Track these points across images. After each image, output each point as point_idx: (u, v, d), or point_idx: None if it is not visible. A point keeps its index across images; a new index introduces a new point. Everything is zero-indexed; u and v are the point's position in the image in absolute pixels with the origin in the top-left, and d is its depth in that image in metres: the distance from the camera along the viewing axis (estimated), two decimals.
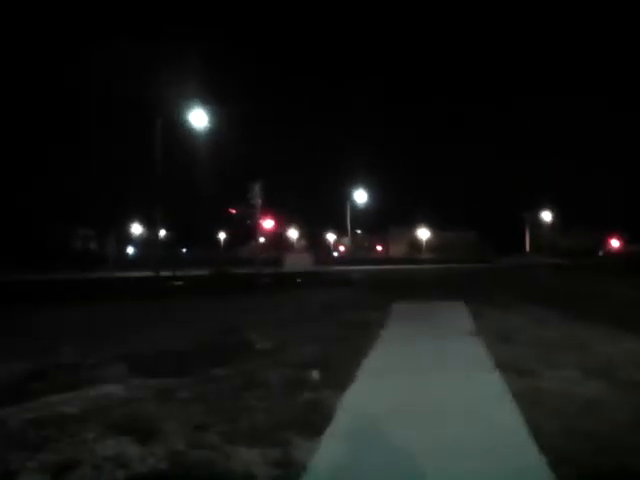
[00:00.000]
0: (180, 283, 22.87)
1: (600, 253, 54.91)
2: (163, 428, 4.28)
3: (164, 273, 26.18)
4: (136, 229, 70.40)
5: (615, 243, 57.93)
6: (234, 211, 51.41)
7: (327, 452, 3.82)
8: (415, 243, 69.24)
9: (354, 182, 56.41)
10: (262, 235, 51.75)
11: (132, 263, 51.47)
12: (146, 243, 65.35)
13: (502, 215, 60.66)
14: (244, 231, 54.03)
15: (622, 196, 53.57)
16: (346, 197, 56.29)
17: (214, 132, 32.60)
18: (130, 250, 69.01)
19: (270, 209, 45.99)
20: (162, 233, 70.56)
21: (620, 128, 60.49)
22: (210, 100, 33.14)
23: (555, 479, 3.31)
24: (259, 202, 42.05)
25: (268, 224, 45.62)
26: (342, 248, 61.52)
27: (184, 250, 65.15)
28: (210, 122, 31.86)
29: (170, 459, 3.72)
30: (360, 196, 57.04)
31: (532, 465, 3.56)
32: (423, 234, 69.31)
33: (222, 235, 66.01)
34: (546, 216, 61.08)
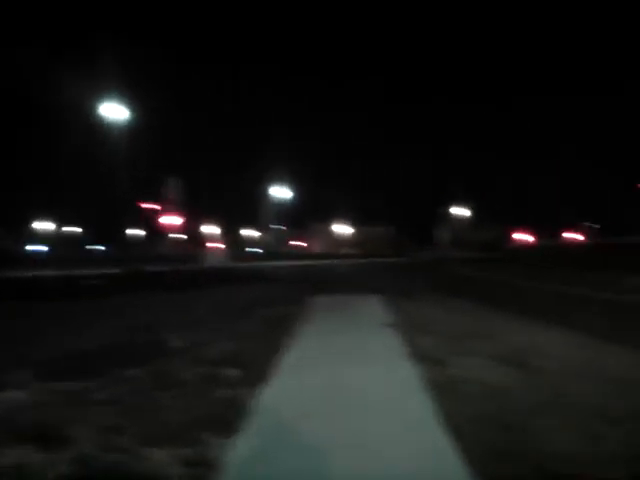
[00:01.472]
0: (94, 282, 21.80)
1: (505, 247, 57.94)
2: (72, 433, 4.09)
3: (77, 272, 24.90)
4: (49, 226, 66.86)
5: (523, 237, 61.28)
6: (150, 207, 49.95)
7: (242, 450, 3.79)
8: (335, 238, 70.05)
9: (274, 178, 56.27)
10: (179, 231, 50.64)
11: (45, 262, 48.74)
12: (61, 241, 62.27)
13: (420, 210, 62.62)
14: (161, 227, 52.60)
15: (533, 193, 56.76)
16: (264, 193, 56.06)
17: (130, 127, 31.50)
18: (44, 249, 65.35)
19: (187, 205, 45.08)
20: (77, 230, 67.52)
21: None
22: (125, 94, 31.98)
23: (464, 460, 3.44)
24: (175, 198, 41.12)
25: (184, 219, 44.70)
26: (262, 244, 61.18)
27: (101, 247, 62.50)
28: (126, 117, 30.77)
29: (78, 464, 3.56)
30: (281, 192, 57.02)
31: (443, 449, 3.70)
32: (343, 229, 70.27)
33: (138, 232, 63.80)
34: (461, 211, 63.68)
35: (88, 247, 60.26)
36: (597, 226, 61.16)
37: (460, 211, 63.79)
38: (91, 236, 63.03)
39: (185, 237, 55.13)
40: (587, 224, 61.61)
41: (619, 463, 3.37)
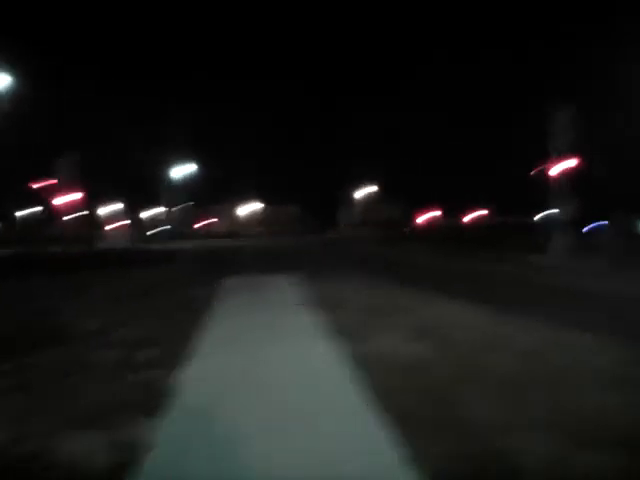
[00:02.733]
0: None
1: (406, 228, 60.15)
2: None
3: None
4: None
5: (428, 216, 63.75)
6: (40, 185, 46.76)
7: (162, 434, 3.71)
8: (243, 217, 69.38)
9: (180, 155, 54.48)
10: (73, 211, 47.85)
11: None
12: None
13: (325, 190, 63.47)
14: (52, 207, 49.45)
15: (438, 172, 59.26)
16: (168, 172, 54.16)
17: (18, 97, 29.06)
18: None
19: (82, 183, 42.64)
20: None
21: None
22: (13, 60, 29.43)
23: (388, 431, 3.58)
24: (69, 176, 38.78)
25: (81, 198, 42.32)
26: (167, 223, 59.28)
27: None
28: (12, 85, 28.38)
29: None
30: (186, 168, 55.27)
31: (369, 421, 3.82)
32: (249, 208, 69.70)
33: (30, 211, 59.58)
34: (365, 191, 65.06)
35: None
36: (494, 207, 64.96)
37: (365, 191, 65.18)
38: None
39: (82, 217, 52.29)
40: (487, 205, 65.16)
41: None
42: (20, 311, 9.12)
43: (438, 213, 63.56)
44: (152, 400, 4.32)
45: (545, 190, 25.91)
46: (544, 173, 25.98)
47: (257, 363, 5.48)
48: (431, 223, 61.65)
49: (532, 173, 26.34)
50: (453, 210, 60.98)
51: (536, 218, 50.93)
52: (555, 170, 25.08)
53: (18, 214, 56.53)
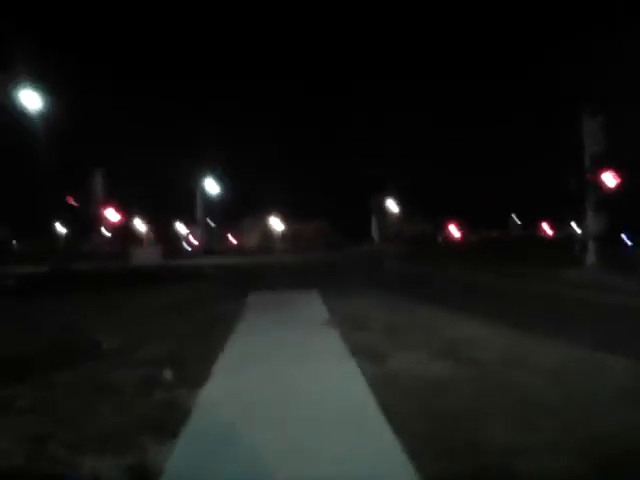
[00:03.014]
0: (12, 282, 20.65)
1: (440, 240, 59.75)
2: None
3: None
4: None
5: (454, 230, 63.29)
6: (74, 201, 47.82)
7: (182, 454, 3.69)
8: (268, 234, 69.73)
9: (206, 173, 55.18)
10: (106, 227, 48.76)
11: None
12: None
13: (350, 205, 63.36)
14: (86, 223, 50.50)
15: (463, 187, 58.73)
16: (197, 188, 54.89)
17: (52, 116, 29.89)
18: None
19: (114, 199, 43.46)
20: None
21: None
22: (47, 82, 30.32)
23: (406, 453, 3.49)
24: (101, 192, 39.57)
25: (112, 215, 43.07)
26: (194, 241, 59.93)
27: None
28: (46, 105, 29.21)
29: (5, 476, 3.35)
30: (212, 187, 56.00)
31: (385, 443, 3.74)
32: (276, 225, 70.05)
33: (61, 228, 60.95)
34: (391, 205, 64.83)
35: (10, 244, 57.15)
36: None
37: (392, 206, 64.97)
38: (12, 232, 59.76)
39: (113, 234, 53.21)
40: (514, 219, 64.62)
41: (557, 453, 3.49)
42: (50, 328, 9.22)
43: (468, 226, 63.08)
44: (172, 420, 4.27)
45: (579, 201, 25.22)
46: (582, 183, 25.18)
47: (278, 383, 5.42)
48: (463, 236, 61.12)
49: (572, 184, 25.31)
50: (484, 223, 60.49)
51: (572, 230, 50.17)
52: (598, 180, 24.17)
53: (54, 230, 57.85)
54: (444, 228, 63.18)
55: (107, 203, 42.11)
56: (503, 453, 3.50)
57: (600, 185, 24.12)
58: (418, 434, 3.85)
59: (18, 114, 29.45)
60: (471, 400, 4.60)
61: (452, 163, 63.51)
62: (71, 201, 47.23)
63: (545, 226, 62.62)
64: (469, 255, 33.37)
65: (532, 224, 63.15)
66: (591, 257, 22.75)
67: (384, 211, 64.57)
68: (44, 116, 29.57)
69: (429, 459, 3.42)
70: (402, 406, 4.48)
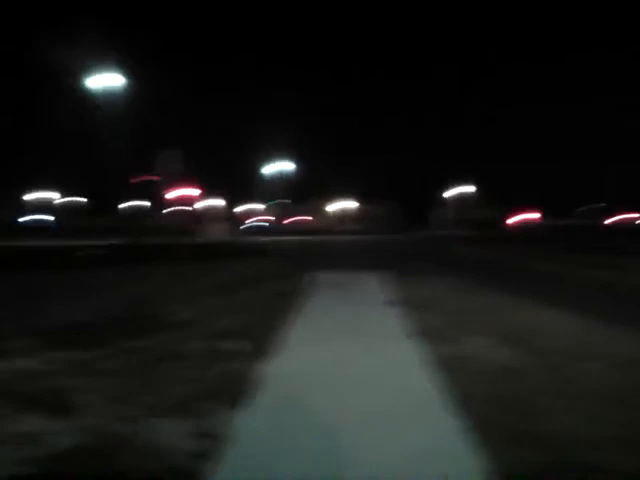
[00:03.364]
0: (95, 252, 21.80)
1: (503, 226, 58.09)
2: (80, 402, 4.13)
3: (78, 242, 24.96)
4: (44, 196, 66.63)
5: (521, 216, 61.26)
6: (151, 179, 49.66)
7: (248, 422, 3.80)
8: (338, 214, 69.90)
9: (278, 151, 55.85)
10: (178, 203, 50.43)
11: (47, 232, 48.64)
12: (61, 211, 62.12)
13: (422, 189, 62.39)
14: (160, 199, 52.42)
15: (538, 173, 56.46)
16: (269, 166, 55.71)
17: (131, 96, 31.14)
18: (47, 219, 65.26)
19: (188, 177, 44.80)
20: (76, 200, 67.12)
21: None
22: (125, 64, 31.54)
23: (476, 439, 3.44)
24: (176, 170, 40.89)
25: (185, 192, 44.47)
26: (265, 218, 60.99)
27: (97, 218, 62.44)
28: (125, 86, 30.43)
29: (88, 433, 3.58)
30: (285, 166, 56.69)
31: (453, 427, 3.69)
32: (347, 205, 70.07)
33: (137, 203, 63.49)
34: (462, 190, 63.51)
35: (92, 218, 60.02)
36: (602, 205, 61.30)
37: (461, 190, 63.60)
38: (94, 207, 62.80)
39: (185, 210, 54.93)
40: (597, 205, 61.56)
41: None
42: (127, 298, 9.74)
43: (536, 214, 60.81)
44: (238, 390, 4.41)
45: None
46: None
47: (341, 359, 5.48)
48: (529, 224, 59.01)
49: None
50: (554, 211, 58.07)
51: None
52: None
53: (125, 206, 60.33)
54: (513, 213, 61.18)
55: (183, 180, 43.47)
56: (576, 444, 3.42)
57: None
58: (485, 419, 3.81)
59: (101, 95, 30.83)
60: (542, 389, 4.50)
61: (524, 148, 61.04)
62: (147, 178, 49.07)
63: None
64: (540, 241, 32.21)
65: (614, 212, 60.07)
66: None
67: (453, 195, 63.34)
68: (125, 96, 30.80)
69: (498, 445, 3.36)
70: (467, 390, 4.43)
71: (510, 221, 60.99)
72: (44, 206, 65.20)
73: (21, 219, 61.80)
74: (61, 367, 5.13)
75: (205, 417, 3.86)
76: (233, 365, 5.23)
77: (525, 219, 60.86)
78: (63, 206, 64.34)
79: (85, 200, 66.00)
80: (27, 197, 65.09)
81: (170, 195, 46.19)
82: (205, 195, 58.61)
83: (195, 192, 53.50)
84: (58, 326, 7.07)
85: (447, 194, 63.86)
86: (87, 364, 5.26)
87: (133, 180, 50.52)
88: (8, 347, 5.87)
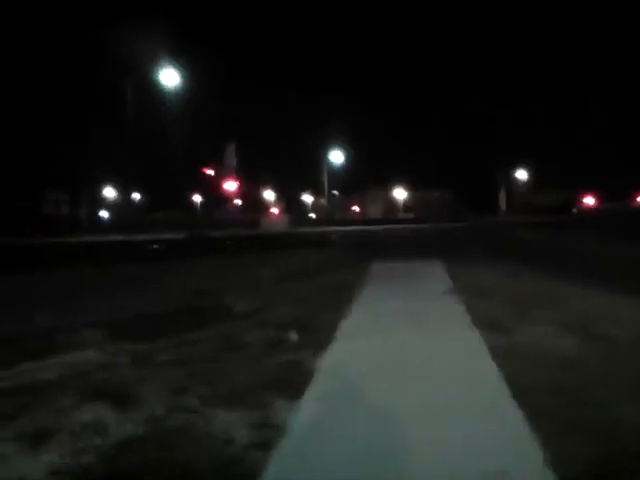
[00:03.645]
0: (156, 247, 22.57)
1: (574, 211, 55.89)
2: (141, 393, 4.24)
3: (139, 237, 25.88)
4: (109, 192, 69.31)
5: (590, 201, 58.91)
6: (208, 172, 50.69)
7: (307, 413, 3.81)
8: (391, 203, 69.33)
9: (330, 143, 55.90)
10: (237, 197, 51.28)
11: (106, 227, 50.76)
12: (121, 206, 64.47)
13: (476, 174, 60.91)
14: (219, 193, 53.41)
15: (599, 155, 53.95)
16: (322, 158, 55.86)
17: (187, 91, 31.87)
18: (105, 214, 68.13)
19: (244, 170, 45.49)
20: (136, 196, 69.59)
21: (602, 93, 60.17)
22: (184, 58, 32.29)
23: (534, 431, 3.35)
24: (234, 163, 41.57)
25: (243, 185, 45.17)
26: (319, 209, 61.32)
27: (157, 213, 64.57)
28: (182, 81, 31.14)
29: (149, 424, 3.69)
30: (336, 157, 56.72)
31: (511, 417, 3.61)
32: (399, 194, 69.39)
33: (196, 197, 65.12)
34: (520, 174, 61.69)
35: (152, 212, 61.97)
36: None
37: (522, 174, 61.71)
38: (153, 202, 64.90)
39: (243, 203, 55.86)
40: None
41: None
42: (187, 289, 10.00)
43: (602, 197, 58.19)
44: (297, 380, 4.44)
45: None
46: None
47: (400, 349, 5.42)
48: (597, 207, 56.60)
49: None
50: (620, 193, 55.44)
51: None
52: None
53: (189, 200, 61.99)
54: (578, 199, 58.83)
55: (239, 174, 44.19)
56: (629, 434, 3.27)
57: None
58: (545, 411, 3.68)
59: (159, 91, 31.69)
60: (604, 379, 4.32)
61: (585, 133, 58.46)
62: (206, 172, 50.12)
63: None
64: (606, 227, 30.77)
65: None
66: None
67: (513, 181, 61.52)
68: (182, 93, 31.52)
69: (558, 438, 3.25)
70: (529, 381, 4.30)
71: (580, 206, 58.70)
72: (111, 202, 67.91)
73: (101, 214, 64.65)
74: (125, 359, 5.30)
75: (263, 408, 3.89)
76: (292, 356, 5.25)
77: (590, 204, 58.48)
78: (128, 201, 66.76)
79: (147, 195, 68.27)
80: (104, 193, 68.00)
81: (229, 188, 46.96)
82: (264, 188, 59.46)
83: (255, 185, 54.36)
84: (124, 318, 7.33)
85: (514, 178, 62.07)
86: (150, 356, 5.41)
87: (194, 174, 51.82)
88: (75, 340, 6.14)
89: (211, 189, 53.99)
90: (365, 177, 62.87)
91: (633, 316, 6.54)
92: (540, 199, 58.18)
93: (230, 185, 44.76)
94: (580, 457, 3.03)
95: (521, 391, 4.04)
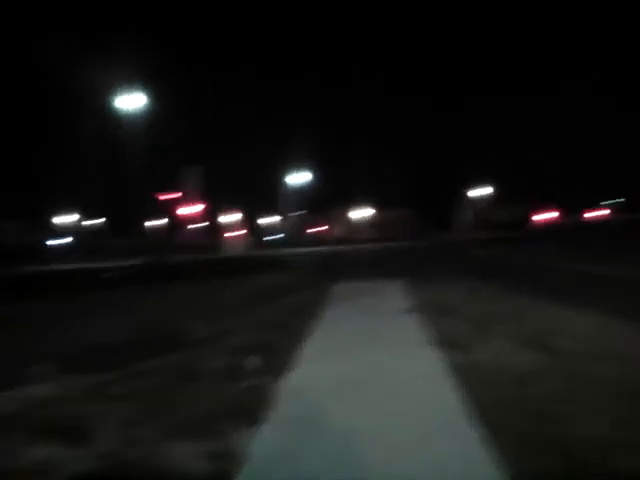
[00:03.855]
0: (113, 274, 22.05)
1: (531, 225, 57.41)
2: (95, 427, 4.08)
3: (98, 264, 25.30)
4: (68, 219, 67.72)
5: (548, 215, 60.57)
6: (169, 196, 50.19)
7: (266, 440, 3.74)
8: (354, 222, 69.81)
9: (294, 163, 56.15)
10: (198, 220, 50.83)
11: (64, 254, 49.42)
12: (80, 233, 62.98)
13: (439, 192, 61.99)
14: (180, 217, 52.93)
15: (557, 170, 55.62)
16: (285, 178, 55.98)
17: (147, 114, 31.61)
18: (63, 241, 66.42)
19: (205, 193, 45.20)
20: (97, 222, 68.18)
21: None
22: (145, 84, 32.07)
23: (492, 448, 3.36)
24: (193, 186, 41.30)
25: (203, 209, 44.85)
26: (281, 230, 61.23)
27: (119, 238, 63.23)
28: (143, 104, 30.92)
29: (102, 459, 3.55)
30: (300, 177, 56.91)
31: (467, 433, 3.63)
32: (363, 213, 70.01)
33: (156, 222, 64.23)
34: (481, 191, 63.06)
35: (112, 238, 60.75)
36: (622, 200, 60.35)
37: (480, 191, 63.13)
38: (111, 228, 63.64)
39: (204, 226, 55.39)
40: (611, 201, 60.73)
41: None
42: (143, 317, 9.76)
43: (556, 213, 60.12)
44: (256, 407, 4.35)
45: None
46: None
47: (360, 371, 5.39)
48: (551, 222, 58.32)
49: None
50: (574, 208, 57.43)
51: None
52: None
53: (146, 225, 61.01)
54: (535, 214, 60.52)
55: (198, 197, 43.89)
56: (592, 449, 3.30)
57: None
58: (500, 425, 3.71)
59: (118, 115, 31.35)
60: (557, 393, 4.37)
61: (543, 146, 60.31)
62: (164, 196, 49.60)
63: None
64: (564, 241, 31.69)
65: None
66: None
67: (471, 198, 62.89)
68: (142, 116, 31.26)
69: (512, 450, 3.29)
70: (485, 396, 4.33)
71: (535, 221, 60.28)
72: (67, 228, 66.24)
73: (50, 242, 62.85)
74: (77, 392, 5.11)
75: (221, 437, 3.79)
76: (252, 382, 5.16)
77: (547, 218, 60.19)
78: (85, 227, 65.32)
79: (105, 220, 66.92)
80: (56, 220, 66.20)
81: (189, 212, 46.61)
82: (224, 210, 59.08)
83: (214, 208, 54.00)
84: (76, 349, 7.09)
85: (468, 196, 63.40)
86: (103, 388, 5.23)
87: (154, 199, 51.18)
88: (27, 373, 5.88)
89: (172, 213, 53.48)
90: (330, 197, 63.17)
91: (588, 330, 6.69)
92: (500, 215, 59.51)
93: (194, 208, 44.44)
94: (537, 474, 3.03)
95: (480, 408, 4.05)
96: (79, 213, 64.87)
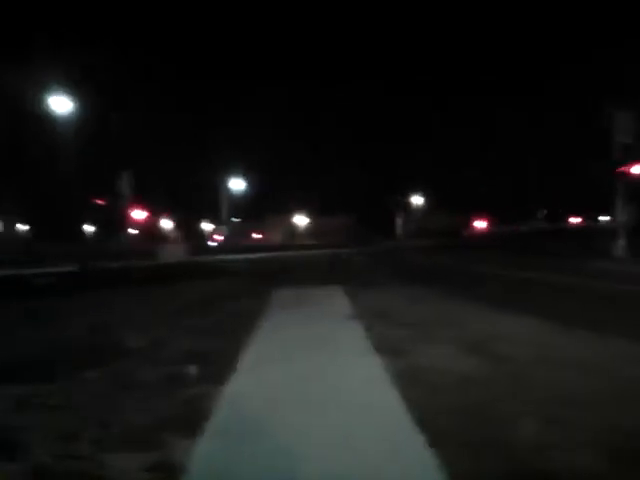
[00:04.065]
0: (47, 280, 21.05)
1: (466, 234, 59.34)
2: (27, 440, 3.92)
3: (25, 271, 24.11)
4: None
5: (479, 224, 62.74)
6: (102, 201, 48.62)
7: (206, 451, 3.69)
8: (293, 230, 69.89)
9: (230, 171, 55.61)
10: (133, 226, 49.45)
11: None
12: (4, 240, 59.94)
13: (376, 200, 63.08)
14: (113, 222, 51.29)
15: (487, 181, 57.78)
16: (221, 185, 55.31)
17: (80, 119, 30.43)
18: None
19: (141, 198, 44.07)
20: (23, 227, 65.11)
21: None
22: (75, 86, 30.87)
23: (433, 453, 3.43)
24: (129, 191, 40.17)
25: (139, 214, 43.72)
26: (219, 237, 60.42)
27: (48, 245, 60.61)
28: (74, 108, 29.74)
29: (35, 474, 3.41)
30: (236, 184, 56.44)
31: (410, 441, 3.68)
32: (300, 220, 70.14)
33: (89, 227, 62.05)
34: (416, 199, 64.57)
35: (41, 244, 58.26)
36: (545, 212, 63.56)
37: (418, 200, 64.68)
38: (42, 234, 61.06)
39: (140, 232, 53.95)
40: (540, 211, 63.77)
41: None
42: (77, 326, 9.38)
43: (492, 221, 62.50)
44: (195, 417, 4.28)
45: (609, 192, 24.92)
46: (612, 175, 24.68)
47: (301, 378, 5.42)
48: (487, 230, 60.56)
49: (616, 172, 24.67)
50: (509, 216, 59.93)
51: (602, 220, 49.51)
52: (628, 171, 23.79)
53: (80, 231, 58.86)
54: (470, 222, 62.69)
55: (134, 203, 42.72)
56: (531, 451, 3.44)
57: (630, 176, 23.91)
58: (442, 430, 3.80)
59: (48, 118, 30.05)
60: (498, 397, 4.52)
61: (478, 159, 62.61)
62: (99, 201, 48.02)
63: (575, 219, 62.00)
64: (494, 248, 32.95)
65: (563, 218, 62.54)
66: (620, 248, 22.36)
67: (409, 206, 64.32)
68: (73, 120, 30.10)
69: (453, 455, 3.37)
70: (426, 402, 4.43)
71: (470, 229, 62.38)
72: None
73: None
74: (7, 405, 4.86)
75: (159, 448, 3.73)
76: (192, 391, 5.09)
77: (481, 227, 62.42)
78: (12, 233, 62.37)
79: (35, 226, 64.16)
80: None
81: (126, 217, 45.26)
82: (162, 216, 57.83)
83: (151, 213, 52.74)
84: (7, 361, 6.74)
85: (409, 203, 64.82)
86: (36, 400, 5.00)
87: (87, 204, 49.47)
88: None
89: (105, 218, 51.81)
90: (266, 204, 63.04)
91: (526, 334, 7.00)
92: (435, 223, 61.22)
93: (129, 214, 43.18)
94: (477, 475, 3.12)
95: (421, 413, 4.13)
96: (5, 219, 61.93)
